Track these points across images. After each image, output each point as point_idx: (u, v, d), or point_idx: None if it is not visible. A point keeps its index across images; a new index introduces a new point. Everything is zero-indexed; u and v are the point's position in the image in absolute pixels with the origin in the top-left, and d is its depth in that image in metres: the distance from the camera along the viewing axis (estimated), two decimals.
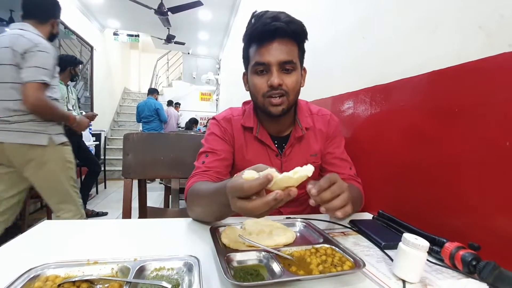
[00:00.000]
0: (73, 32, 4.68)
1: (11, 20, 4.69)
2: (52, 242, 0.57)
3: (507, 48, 0.52)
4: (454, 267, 0.50)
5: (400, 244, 0.48)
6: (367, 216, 0.81)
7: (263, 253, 0.51)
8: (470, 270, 0.47)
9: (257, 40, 0.72)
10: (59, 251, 0.53)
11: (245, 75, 0.81)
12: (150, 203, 2.51)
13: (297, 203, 0.87)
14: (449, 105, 0.64)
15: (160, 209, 1.75)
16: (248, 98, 0.84)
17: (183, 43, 6.18)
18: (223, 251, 0.51)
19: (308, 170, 0.47)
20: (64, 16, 4.72)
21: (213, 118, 0.87)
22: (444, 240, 0.54)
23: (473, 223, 0.58)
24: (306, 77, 0.81)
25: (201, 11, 5.17)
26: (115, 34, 6.09)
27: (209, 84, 8.66)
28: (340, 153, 0.86)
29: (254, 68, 0.73)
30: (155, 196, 3.56)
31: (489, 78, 0.56)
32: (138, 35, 6.50)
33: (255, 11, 0.72)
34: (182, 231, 0.65)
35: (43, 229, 0.63)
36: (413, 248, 0.46)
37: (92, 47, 5.07)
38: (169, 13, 4.43)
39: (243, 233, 0.60)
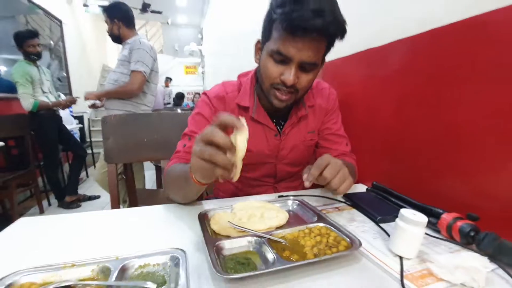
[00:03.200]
0: (38, 6, 4.24)
1: None
2: (28, 242, 0.53)
3: None
4: (451, 239, 0.49)
5: (397, 220, 0.46)
6: (361, 188, 0.79)
7: (254, 238, 0.49)
8: (468, 241, 0.46)
9: (288, 28, 0.58)
10: (35, 252, 0.49)
11: (259, 43, 0.70)
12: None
13: (292, 178, 0.84)
14: (451, 67, 0.59)
15: (152, 191, 1.72)
16: (238, 69, 0.75)
17: (160, 12, 5.76)
18: (212, 240, 0.48)
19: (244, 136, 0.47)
20: None
21: (204, 93, 0.77)
22: (441, 211, 0.53)
23: (471, 192, 0.56)
24: None
25: None
26: (85, 5, 5.57)
27: (193, 56, 8.28)
28: (337, 129, 0.83)
29: (272, 52, 0.63)
30: (149, 174, 3.50)
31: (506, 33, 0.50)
32: None
33: None
34: (169, 219, 0.62)
35: (18, 228, 0.58)
36: (410, 224, 0.43)
37: (61, 21, 4.63)
38: None
39: (233, 217, 0.57)
